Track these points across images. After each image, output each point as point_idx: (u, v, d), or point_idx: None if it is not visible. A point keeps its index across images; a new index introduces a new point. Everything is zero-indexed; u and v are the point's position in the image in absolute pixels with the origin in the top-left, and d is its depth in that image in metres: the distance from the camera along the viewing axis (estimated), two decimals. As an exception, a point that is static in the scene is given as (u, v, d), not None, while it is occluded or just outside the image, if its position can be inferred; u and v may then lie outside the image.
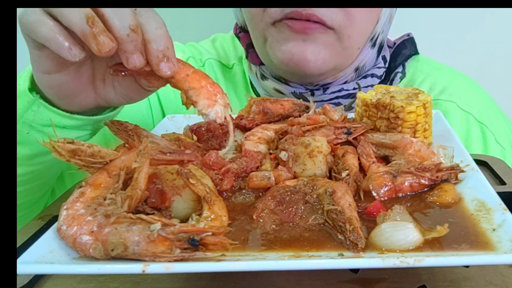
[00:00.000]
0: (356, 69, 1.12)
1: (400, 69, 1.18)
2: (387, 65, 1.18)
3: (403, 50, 1.20)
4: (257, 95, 1.20)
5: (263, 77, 1.15)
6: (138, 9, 0.66)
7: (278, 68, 1.08)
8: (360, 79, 1.14)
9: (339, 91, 1.11)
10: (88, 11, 0.62)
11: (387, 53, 1.19)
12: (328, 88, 1.11)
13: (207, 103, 0.66)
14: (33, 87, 0.77)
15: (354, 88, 1.12)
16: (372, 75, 1.14)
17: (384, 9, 1.06)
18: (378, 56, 1.16)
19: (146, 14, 0.66)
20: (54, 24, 0.63)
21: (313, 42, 0.99)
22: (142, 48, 0.65)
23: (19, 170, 0.85)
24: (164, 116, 1.20)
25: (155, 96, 1.19)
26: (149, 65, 0.65)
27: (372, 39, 1.08)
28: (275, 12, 0.99)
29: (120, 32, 0.63)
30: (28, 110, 0.78)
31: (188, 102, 0.68)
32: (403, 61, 1.18)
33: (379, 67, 1.16)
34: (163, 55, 0.65)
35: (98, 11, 0.63)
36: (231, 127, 0.71)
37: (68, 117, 0.79)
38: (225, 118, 0.67)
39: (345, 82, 1.13)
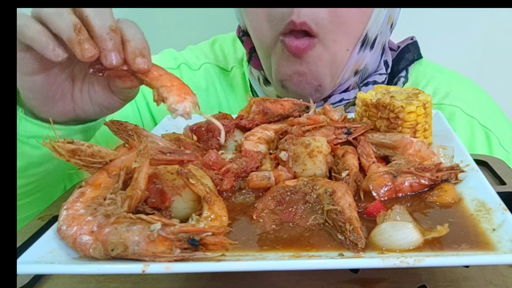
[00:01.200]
0: (356, 72, 1.10)
1: (403, 73, 1.16)
2: (389, 70, 1.17)
3: (407, 55, 1.18)
4: None
5: (266, 82, 1.15)
6: (120, 19, 0.71)
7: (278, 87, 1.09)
8: (361, 86, 1.12)
9: (340, 101, 1.11)
10: (75, 20, 0.67)
11: (389, 57, 1.18)
12: (329, 97, 1.11)
13: (177, 99, 0.69)
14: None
15: (355, 97, 1.11)
16: (374, 82, 1.13)
17: (376, 10, 1.04)
18: (380, 59, 1.14)
19: (126, 23, 0.71)
20: (40, 27, 0.67)
21: (307, 64, 1.00)
22: (121, 48, 0.68)
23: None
24: (153, 116, 1.22)
25: (144, 105, 1.21)
26: (125, 64, 0.70)
27: (364, 40, 1.05)
28: (277, 25, 0.99)
29: (100, 31, 0.67)
30: None
31: (159, 98, 0.71)
32: (407, 66, 1.17)
33: (380, 74, 1.14)
34: (139, 52, 0.69)
35: (81, 12, 0.67)
36: (219, 124, 0.75)
37: (49, 128, 0.79)
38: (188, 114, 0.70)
39: (345, 90, 1.11)
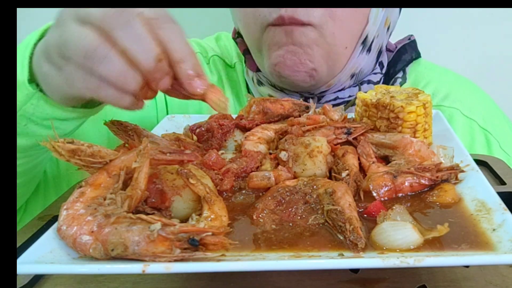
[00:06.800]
0: (352, 76, 1.09)
1: (400, 74, 1.15)
2: (384, 70, 1.16)
3: (403, 56, 1.17)
4: None
5: (259, 83, 1.15)
6: (154, 19, 0.63)
7: (272, 77, 1.07)
8: (355, 86, 1.11)
9: (334, 99, 1.10)
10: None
11: (384, 58, 1.17)
12: (323, 96, 1.10)
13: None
14: (32, 78, 0.75)
15: (349, 96, 1.10)
16: (369, 82, 1.12)
17: (374, 11, 1.03)
18: (376, 62, 1.14)
19: (167, 27, 0.63)
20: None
21: (301, 46, 0.98)
22: (169, 69, 0.64)
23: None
24: (168, 112, 1.20)
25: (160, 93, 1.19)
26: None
27: (364, 42, 1.05)
28: (264, 18, 0.98)
29: (146, 66, 0.62)
30: (27, 103, 0.75)
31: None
32: (404, 67, 1.16)
33: (375, 73, 1.14)
34: (194, 74, 0.65)
35: (121, 47, 0.61)
36: None
37: (70, 110, 0.78)
38: None
39: (340, 90, 1.11)
